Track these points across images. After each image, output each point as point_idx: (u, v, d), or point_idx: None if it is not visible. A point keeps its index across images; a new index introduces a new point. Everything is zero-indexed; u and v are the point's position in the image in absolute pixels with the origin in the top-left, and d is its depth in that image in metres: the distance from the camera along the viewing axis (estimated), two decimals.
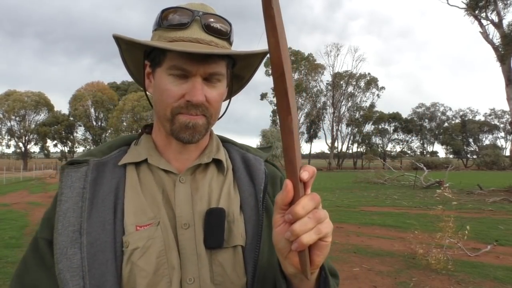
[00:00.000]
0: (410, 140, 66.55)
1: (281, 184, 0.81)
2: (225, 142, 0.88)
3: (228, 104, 0.85)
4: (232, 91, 0.83)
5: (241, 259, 0.72)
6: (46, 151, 54.32)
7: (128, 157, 0.76)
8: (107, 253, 0.66)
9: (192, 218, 0.71)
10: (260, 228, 0.73)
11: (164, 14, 0.72)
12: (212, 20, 0.72)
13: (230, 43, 0.76)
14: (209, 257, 0.70)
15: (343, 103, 57.52)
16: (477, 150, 62.37)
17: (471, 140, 63.52)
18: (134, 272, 0.67)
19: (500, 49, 18.01)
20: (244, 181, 0.79)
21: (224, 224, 0.71)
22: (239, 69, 0.82)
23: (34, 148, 55.80)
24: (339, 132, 57.96)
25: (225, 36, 0.73)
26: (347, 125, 59.97)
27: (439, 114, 65.13)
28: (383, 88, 59.19)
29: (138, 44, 0.71)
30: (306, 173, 0.52)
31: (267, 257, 0.72)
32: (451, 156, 63.27)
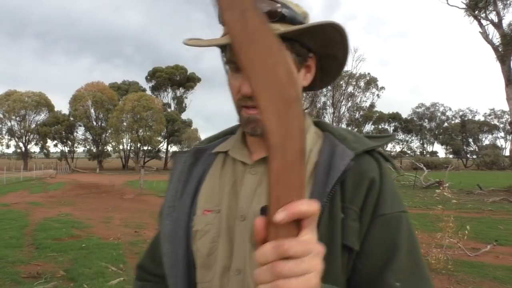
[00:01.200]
0: (410, 140, 66.56)
1: (371, 187, 0.68)
2: (325, 130, 0.78)
3: (315, 88, 0.79)
4: (327, 74, 0.77)
5: None
6: (46, 151, 54.23)
7: (220, 146, 0.81)
8: (180, 230, 0.76)
9: (248, 211, 0.70)
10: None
11: None
12: (275, 8, 0.66)
13: (290, 23, 0.67)
14: None
15: (343, 103, 57.50)
16: (477, 150, 62.31)
17: (470, 140, 63.46)
18: (196, 251, 0.74)
19: (499, 49, 18.00)
20: (318, 179, 0.68)
21: None
22: (322, 48, 0.72)
23: (34, 148, 55.77)
24: None
25: (274, 18, 0.66)
26: (347, 125, 59.96)
27: (438, 114, 65.13)
28: (383, 88, 59.18)
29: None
30: (283, 214, 0.40)
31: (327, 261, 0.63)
32: (451, 156, 63.23)
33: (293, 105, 0.39)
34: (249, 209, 0.70)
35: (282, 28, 0.66)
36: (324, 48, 0.72)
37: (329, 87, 57.05)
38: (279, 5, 0.67)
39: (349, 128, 0.74)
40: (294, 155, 0.39)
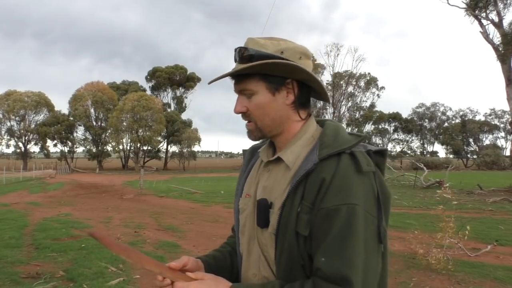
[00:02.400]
0: (410, 140, 66.48)
1: (321, 185, 0.86)
2: (320, 139, 0.95)
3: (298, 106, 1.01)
4: (316, 90, 1.02)
5: (273, 242, 0.92)
6: (46, 151, 54.16)
7: (262, 147, 1.08)
8: (236, 206, 1.08)
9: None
10: (277, 218, 0.91)
11: None
12: (239, 52, 0.95)
13: (262, 60, 0.91)
14: (261, 231, 0.96)
15: (343, 103, 57.50)
16: (477, 150, 62.26)
17: (471, 140, 63.41)
18: (239, 221, 1.05)
19: (500, 49, 17.98)
20: (293, 180, 0.91)
21: (265, 213, 0.93)
22: (290, 75, 0.96)
23: (34, 148, 55.71)
24: None
25: (244, 61, 0.93)
26: (347, 125, 59.88)
27: (439, 114, 65.06)
28: (383, 88, 59.16)
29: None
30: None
31: (283, 247, 0.89)
32: (451, 156, 63.15)
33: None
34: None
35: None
36: (291, 75, 0.95)
37: (329, 87, 57.16)
38: (246, 50, 0.93)
39: (349, 129, 0.93)
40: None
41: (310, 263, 0.87)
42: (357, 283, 0.80)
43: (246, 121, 0.99)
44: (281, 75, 0.94)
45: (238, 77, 0.96)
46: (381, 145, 64.76)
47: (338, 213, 0.83)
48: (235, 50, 0.96)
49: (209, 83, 1.00)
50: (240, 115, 0.99)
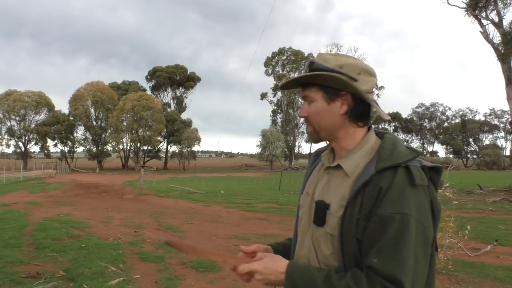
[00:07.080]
0: (410, 140, 66.45)
1: (378, 195, 0.94)
2: (379, 151, 1.04)
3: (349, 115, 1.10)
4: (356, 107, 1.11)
5: (329, 239, 1.01)
6: (46, 151, 54.11)
7: (325, 152, 1.20)
8: (298, 202, 1.21)
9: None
10: (340, 223, 0.99)
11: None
12: (310, 63, 1.08)
13: (323, 71, 1.04)
14: (316, 228, 1.06)
15: None
16: (477, 150, 62.26)
17: (471, 140, 63.41)
18: (299, 214, 1.18)
19: (500, 49, 17.97)
20: (353, 188, 1.00)
21: (323, 213, 1.03)
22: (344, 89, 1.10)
23: (34, 148, 55.65)
24: None
25: (310, 68, 1.07)
26: None
27: (438, 114, 65.05)
28: (382, 87, 59.10)
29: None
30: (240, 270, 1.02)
31: (348, 251, 0.97)
32: (451, 156, 63.16)
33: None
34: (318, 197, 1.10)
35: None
36: (344, 88, 1.04)
37: None
38: (312, 63, 1.07)
39: (398, 138, 1.13)
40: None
41: None
42: (407, 284, 0.87)
43: (309, 125, 1.12)
44: (335, 87, 1.05)
45: (303, 85, 1.10)
46: None
47: (392, 220, 0.91)
48: (306, 62, 1.12)
49: (281, 87, 1.21)
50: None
